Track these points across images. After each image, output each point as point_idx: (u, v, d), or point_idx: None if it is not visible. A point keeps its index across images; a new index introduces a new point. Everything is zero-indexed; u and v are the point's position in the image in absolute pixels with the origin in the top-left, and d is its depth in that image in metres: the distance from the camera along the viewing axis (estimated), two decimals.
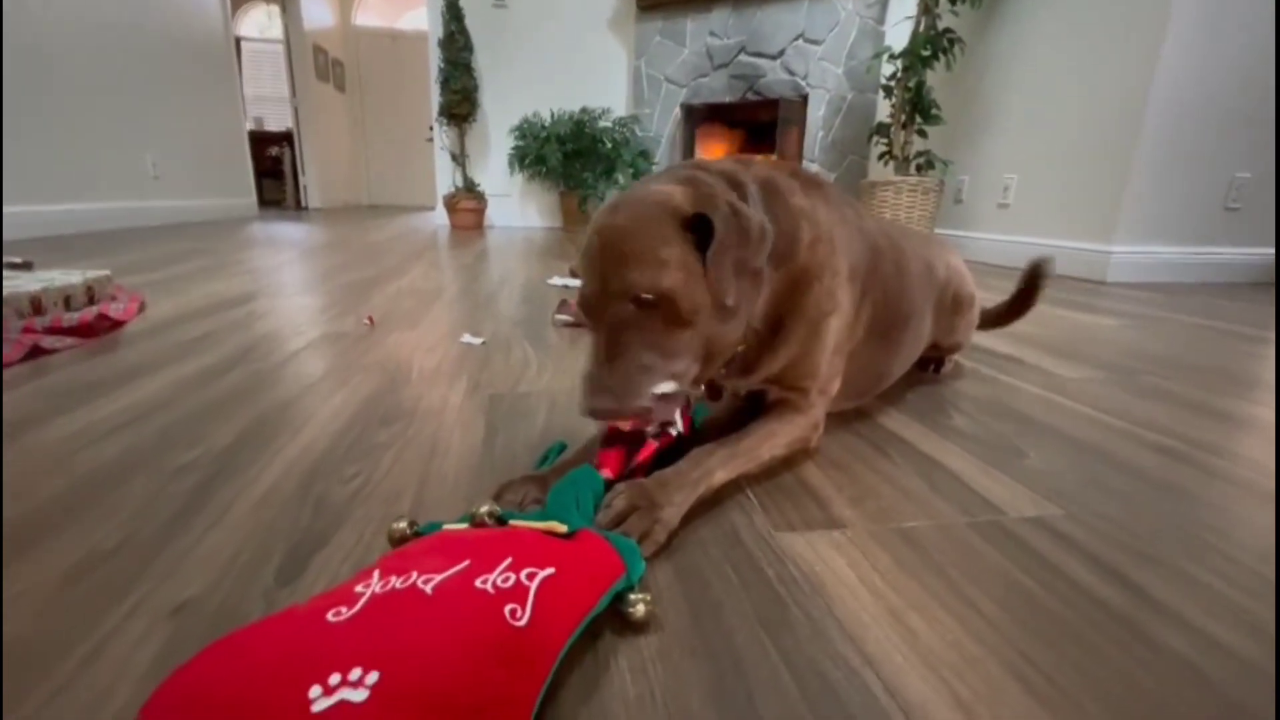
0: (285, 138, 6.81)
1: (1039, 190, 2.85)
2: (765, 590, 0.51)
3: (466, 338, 1.29)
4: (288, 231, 3.85)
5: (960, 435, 0.86)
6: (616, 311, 0.58)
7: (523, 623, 0.37)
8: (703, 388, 0.72)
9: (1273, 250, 2.65)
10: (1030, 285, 1.19)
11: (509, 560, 0.42)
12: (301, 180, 6.66)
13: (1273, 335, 1.61)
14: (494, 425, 0.84)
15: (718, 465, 0.63)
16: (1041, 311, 1.82)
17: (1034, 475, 0.74)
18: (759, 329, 0.69)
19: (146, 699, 0.33)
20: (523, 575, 0.41)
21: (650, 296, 0.57)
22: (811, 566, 0.54)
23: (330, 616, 0.37)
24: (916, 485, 0.70)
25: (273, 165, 6.86)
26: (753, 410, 0.76)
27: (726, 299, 0.58)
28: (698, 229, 0.59)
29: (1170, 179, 2.45)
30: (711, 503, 0.63)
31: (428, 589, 0.39)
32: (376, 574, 0.42)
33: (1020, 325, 1.59)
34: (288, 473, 0.69)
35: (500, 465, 0.72)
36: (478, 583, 0.40)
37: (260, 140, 6.50)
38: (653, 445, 0.63)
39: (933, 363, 1.13)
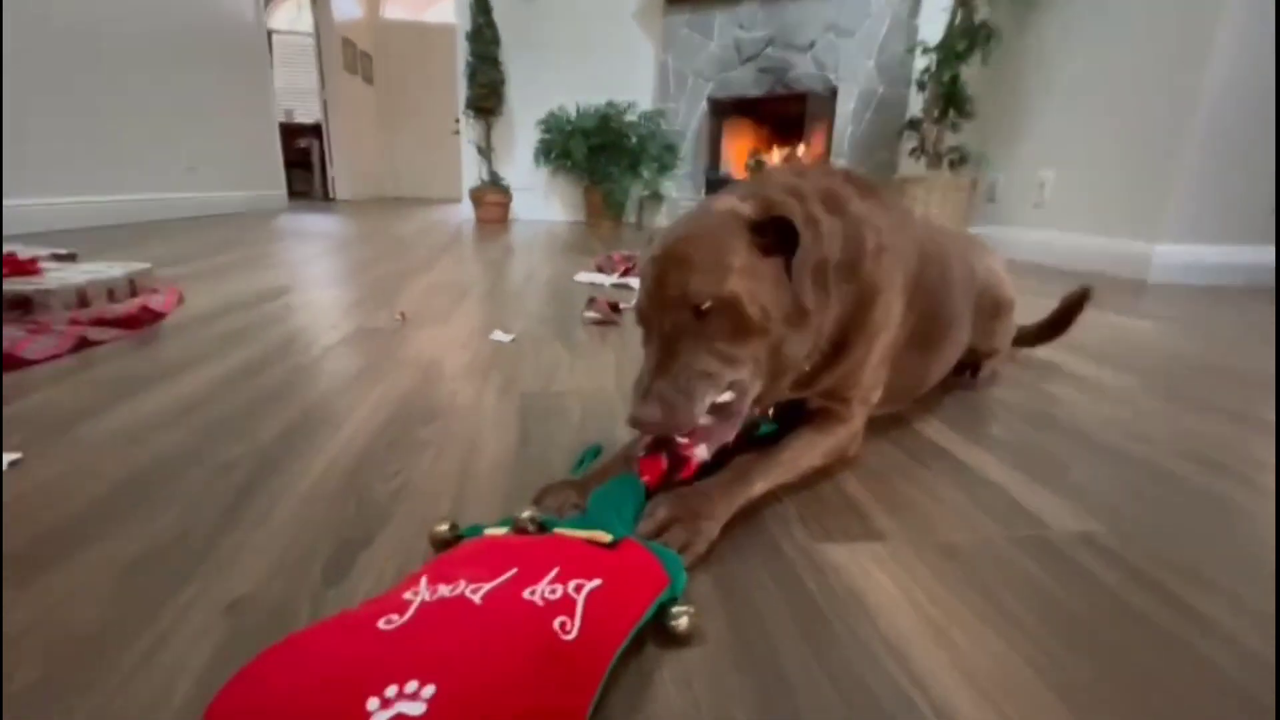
0: (314, 130, 6.90)
1: (1077, 187, 2.78)
2: (807, 603, 0.50)
3: (497, 334, 1.30)
4: (317, 224, 3.91)
5: (999, 445, 0.84)
6: (673, 320, 0.57)
7: (572, 635, 0.38)
8: (770, 411, 0.72)
9: None
10: (1069, 311, 1.23)
11: (555, 571, 0.42)
12: (330, 172, 6.76)
13: None
14: (528, 425, 0.85)
15: (758, 476, 0.62)
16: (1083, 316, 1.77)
17: (1076, 489, 0.72)
18: (824, 348, 0.68)
19: (208, 703, 0.35)
20: (570, 587, 0.41)
21: (709, 305, 0.55)
22: (853, 579, 0.54)
23: (382, 624, 0.38)
24: (956, 497, 0.69)
25: (301, 157, 6.96)
26: (790, 416, 0.75)
27: (806, 302, 0.58)
28: (766, 235, 0.58)
29: (1220, 176, 2.36)
30: (749, 512, 0.63)
31: (476, 598, 0.39)
32: (424, 581, 0.42)
33: None
34: (330, 469, 0.70)
35: (536, 466, 0.73)
36: (525, 594, 0.40)
37: (289, 132, 6.59)
38: (695, 464, 0.63)
39: (969, 368, 1.11)
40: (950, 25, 2.99)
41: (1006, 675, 0.43)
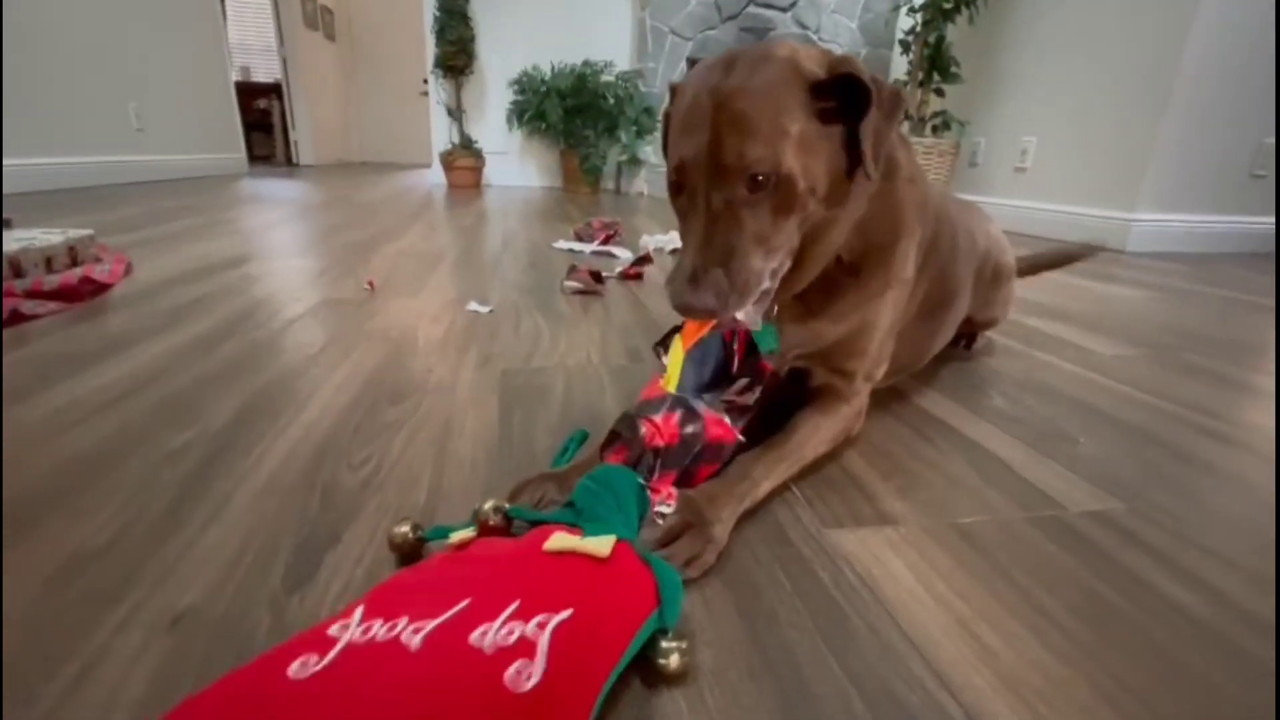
0: (274, 89, 6.55)
1: (1059, 154, 2.76)
2: (821, 597, 0.46)
3: (473, 305, 1.23)
4: (280, 189, 3.72)
5: (1003, 418, 0.81)
6: (724, 191, 0.50)
7: (531, 684, 0.31)
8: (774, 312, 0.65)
9: None
10: (1064, 260, 1.30)
11: (516, 604, 0.35)
12: (292, 135, 6.44)
13: None
14: (509, 403, 0.79)
15: (763, 475, 0.57)
16: (1064, 282, 1.76)
17: (1088, 464, 0.69)
18: (842, 256, 0.63)
19: None
20: (530, 627, 0.34)
21: (767, 176, 0.49)
22: (867, 569, 0.50)
23: (294, 669, 0.31)
24: (966, 474, 0.66)
25: (261, 118, 6.61)
26: (790, 393, 0.70)
27: (871, 171, 0.52)
28: (825, 98, 0.52)
29: (1197, 144, 2.36)
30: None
31: (415, 641, 0.33)
32: (359, 612, 0.36)
33: (1045, 297, 1.54)
34: (292, 456, 0.64)
35: (518, 450, 0.67)
36: (474, 637, 0.33)
37: (247, 92, 6.22)
38: (733, 437, 0.57)
39: (964, 338, 1.08)
40: None
41: (1044, 676, 0.40)
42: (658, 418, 0.55)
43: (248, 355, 0.92)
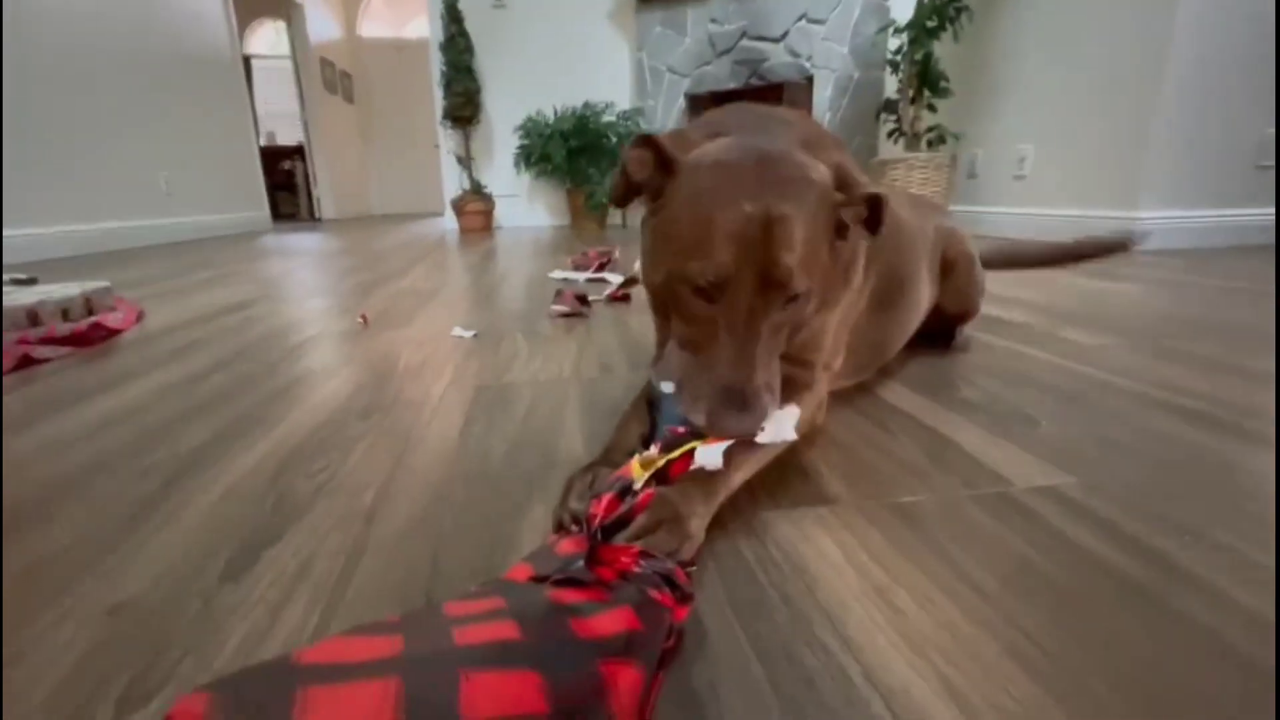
0: (297, 151, 6.89)
1: (1057, 159, 2.74)
2: (742, 573, 0.47)
3: (457, 331, 1.27)
4: (298, 241, 3.88)
5: (968, 407, 0.80)
6: (768, 309, 0.52)
7: None
8: None
9: None
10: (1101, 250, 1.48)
11: None
12: (314, 192, 6.74)
13: None
14: (473, 416, 0.81)
15: (734, 468, 0.55)
16: (1062, 281, 1.73)
17: (1046, 443, 0.68)
18: None
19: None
20: None
21: (798, 294, 0.53)
22: (794, 546, 0.50)
23: None
24: (916, 458, 0.65)
25: (286, 179, 6.96)
26: None
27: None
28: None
29: (1196, 139, 2.33)
30: None
31: None
32: None
33: (1038, 295, 1.52)
34: (257, 468, 0.66)
35: (473, 454, 0.69)
36: None
37: (272, 155, 6.57)
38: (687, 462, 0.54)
39: (941, 336, 1.07)
40: (920, 4, 2.96)
41: (951, 636, 0.40)
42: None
43: (235, 386, 0.96)
